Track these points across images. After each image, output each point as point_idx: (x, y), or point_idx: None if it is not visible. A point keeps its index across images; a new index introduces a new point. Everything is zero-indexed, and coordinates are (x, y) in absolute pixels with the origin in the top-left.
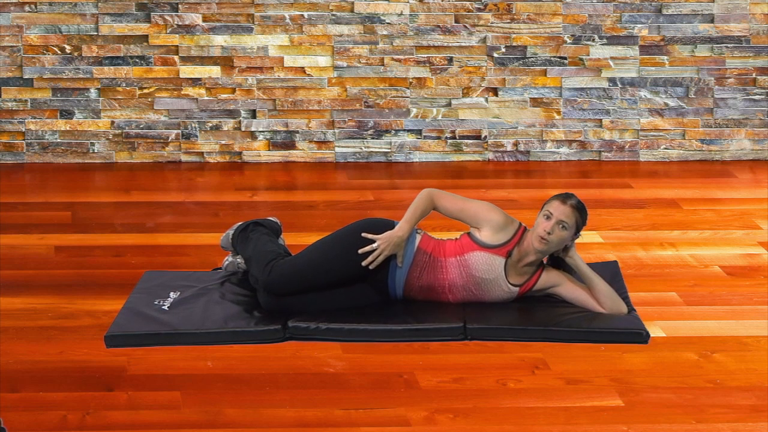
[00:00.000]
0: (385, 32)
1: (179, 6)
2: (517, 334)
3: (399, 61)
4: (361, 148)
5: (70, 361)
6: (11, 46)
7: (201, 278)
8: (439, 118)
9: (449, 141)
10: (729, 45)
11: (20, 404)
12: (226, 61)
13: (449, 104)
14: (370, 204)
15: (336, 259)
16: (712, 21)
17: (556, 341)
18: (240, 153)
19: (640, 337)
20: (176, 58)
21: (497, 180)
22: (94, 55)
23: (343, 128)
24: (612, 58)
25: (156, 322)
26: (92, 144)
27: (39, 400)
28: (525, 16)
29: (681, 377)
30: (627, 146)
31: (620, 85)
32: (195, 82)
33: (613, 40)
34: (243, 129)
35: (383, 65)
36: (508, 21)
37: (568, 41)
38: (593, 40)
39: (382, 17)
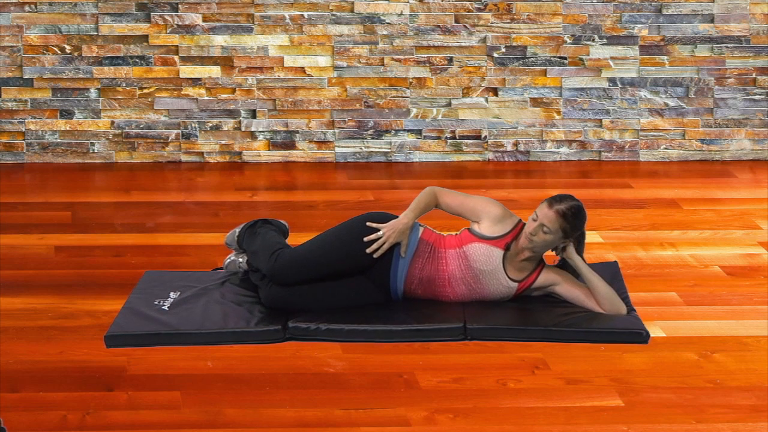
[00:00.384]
0: (385, 32)
1: (179, 6)
2: (517, 334)
3: (399, 61)
4: (361, 148)
5: (70, 361)
6: (11, 46)
7: (201, 278)
8: (439, 118)
9: (449, 141)
10: (729, 45)
11: (20, 404)
12: (226, 61)
13: (449, 104)
14: (370, 204)
15: (341, 248)
16: (712, 21)
17: (556, 341)
18: (240, 153)
19: (640, 337)
20: (176, 58)
21: (497, 180)
22: (94, 55)
23: (343, 128)
24: (612, 58)
25: (156, 322)
26: (92, 144)
27: (39, 400)
28: (525, 16)
29: (681, 377)
30: (627, 146)
31: (620, 85)
32: (195, 82)
33: (613, 40)
34: (243, 129)
35: (383, 65)
36: (508, 21)
37: (568, 41)
38: (593, 40)
39: (382, 17)
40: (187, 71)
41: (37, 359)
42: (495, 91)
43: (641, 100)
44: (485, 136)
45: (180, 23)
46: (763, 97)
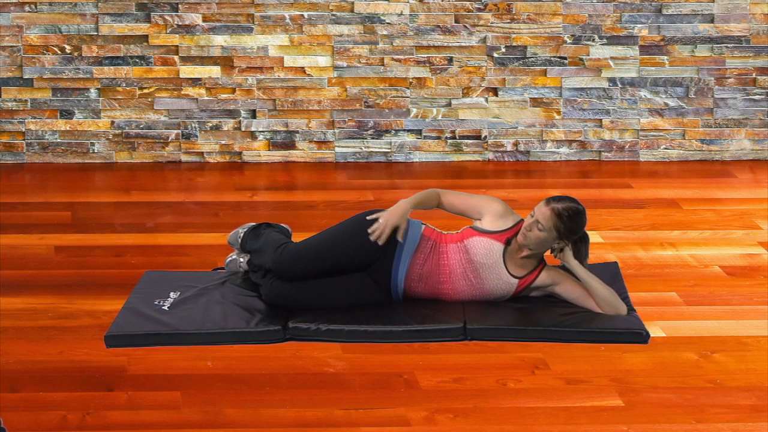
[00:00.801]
0: (385, 32)
1: (179, 6)
2: (517, 334)
3: (399, 61)
4: (361, 148)
5: (70, 361)
6: (11, 46)
7: (201, 278)
8: (439, 118)
9: (449, 141)
10: (729, 45)
11: (20, 404)
12: (226, 61)
13: (449, 104)
14: (370, 204)
15: (346, 242)
16: (712, 21)
17: (556, 341)
18: (240, 153)
19: (640, 337)
20: (176, 58)
21: (497, 180)
22: (94, 55)
23: (343, 128)
24: (612, 58)
25: (156, 322)
26: (92, 144)
27: (39, 400)
28: (525, 16)
29: (681, 377)
30: (627, 146)
31: (620, 85)
32: (195, 82)
33: (613, 40)
34: (243, 129)
35: (383, 65)
36: (508, 21)
37: (568, 41)
38: (593, 40)
39: (382, 17)
40: (187, 71)
41: (37, 359)
42: (495, 91)
43: (641, 100)
44: (485, 136)
45: (180, 23)
46: (763, 97)
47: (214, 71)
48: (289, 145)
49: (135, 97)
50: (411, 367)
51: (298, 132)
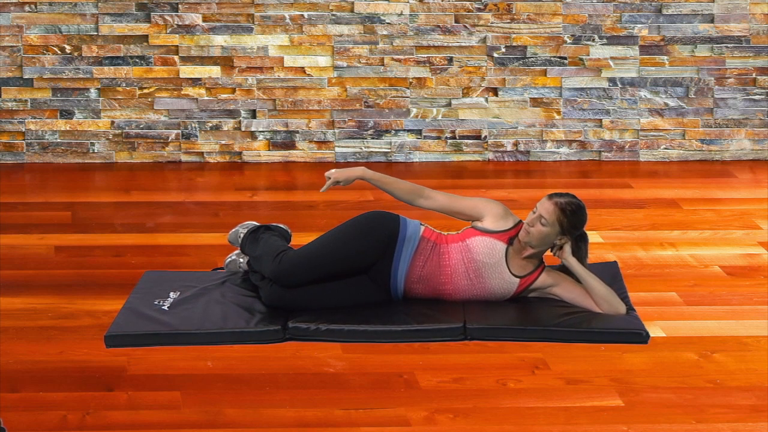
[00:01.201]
0: (385, 32)
1: (179, 6)
2: (517, 334)
3: (399, 61)
4: (361, 148)
5: (70, 361)
6: (11, 46)
7: (201, 278)
8: (439, 118)
9: (449, 141)
10: (729, 45)
11: (20, 404)
12: (226, 61)
13: (449, 104)
14: (370, 204)
15: (343, 248)
16: (712, 21)
17: (556, 341)
18: (240, 153)
19: (640, 337)
20: (176, 58)
21: (497, 180)
22: (94, 55)
23: (343, 128)
24: (612, 58)
25: (156, 322)
26: (92, 144)
27: (39, 400)
28: (525, 16)
29: (681, 377)
30: (627, 146)
31: (620, 85)
32: (195, 82)
33: (613, 40)
34: (243, 129)
35: (383, 65)
36: (508, 21)
37: (568, 41)
38: (593, 40)
39: (382, 17)
40: (187, 71)
41: (37, 359)
42: (495, 91)
43: (641, 100)
44: (485, 136)
45: (180, 23)
46: (763, 97)
47: (214, 71)
48: (289, 145)
49: (135, 97)
50: (411, 367)
51: (298, 132)
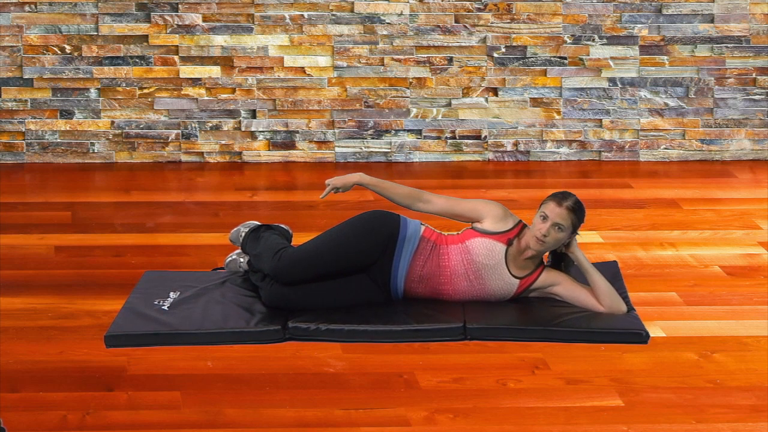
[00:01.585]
0: (385, 32)
1: (179, 6)
2: (517, 334)
3: (399, 61)
4: (361, 148)
5: (70, 361)
6: (11, 46)
7: (201, 278)
8: (439, 118)
9: (449, 141)
10: (729, 45)
11: (20, 404)
12: (226, 61)
13: (449, 104)
14: (370, 204)
15: (343, 246)
16: (712, 21)
17: (556, 341)
18: (240, 153)
19: (640, 337)
20: (176, 58)
21: (497, 180)
22: (94, 55)
23: (343, 128)
24: (612, 58)
25: (156, 322)
26: (92, 144)
27: (39, 400)
28: (525, 16)
29: (681, 377)
30: (627, 146)
31: (620, 85)
32: (195, 82)
33: (613, 40)
34: (243, 129)
35: (383, 65)
36: (508, 21)
37: (568, 41)
38: (593, 40)
39: (382, 17)
40: (187, 71)
41: (37, 359)
42: (495, 91)
43: (641, 100)
44: (485, 136)
45: (180, 23)
46: (763, 97)
47: (214, 71)
48: (289, 145)
49: (135, 97)
50: (411, 367)
51: (298, 132)
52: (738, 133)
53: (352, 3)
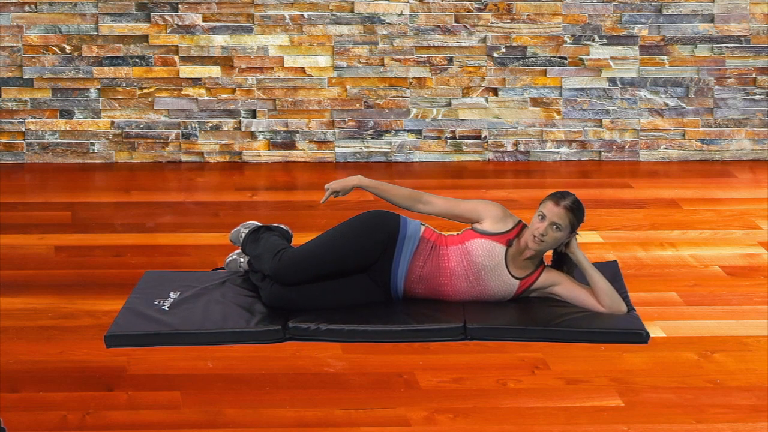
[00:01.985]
0: (385, 32)
1: (179, 6)
2: (517, 334)
3: (399, 61)
4: (361, 148)
5: (70, 361)
6: (11, 46)
7: (201, 278)
8: (439, 118)
9: (449, 141)
10: (729, 45)
11: (20, 404)
12: (226, 61)
13: (449, 104)
14: (370, 204)
15: (343, 246)
16: (712, 21)
17: (556, 341)
18: (240, 153)
19: (640, 337)
20: (176, 58)
21: (497, 180)
22: (94, 55)
23: (343, 128)
24: (612, 58)
25: (156, 322)
26: (92, 144)
27: (39, 400)
28: (525, 16)
29: (681, 377)
30: (627, 146)
31: (620, 85)
32: (195, 82)
33: (613, 40)
34: (243, 129)
35: (383, 65)
36: (508, 21)
37: (568, 41)
38: (593, 40)
39: (382, 17)
40: (187, 71)
41: (37, 359)
42: (495, 91)
43: (641, 100)
44: (485, 136)
45: (180, 23)
46: (763, 97)
47: (214, 71)
48: (289, 145)
49: (135, 97)
50: (411, 367)
51: (298, 132)
52: (738, 133)
53: (352, 3)
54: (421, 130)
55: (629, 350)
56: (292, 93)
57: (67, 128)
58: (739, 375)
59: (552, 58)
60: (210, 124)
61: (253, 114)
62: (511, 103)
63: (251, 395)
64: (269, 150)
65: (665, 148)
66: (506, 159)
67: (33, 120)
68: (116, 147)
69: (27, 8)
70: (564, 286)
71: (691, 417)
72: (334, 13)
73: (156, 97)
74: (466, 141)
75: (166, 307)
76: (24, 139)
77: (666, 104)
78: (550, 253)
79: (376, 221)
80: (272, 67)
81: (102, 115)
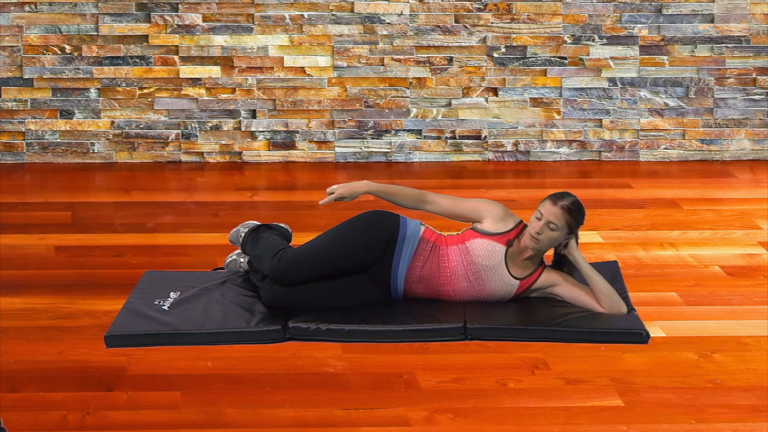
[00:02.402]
0: (385, 32)
1: (179, 6)
2: (517, 334)
3: (399, 61)
4: (361, 148)
5: (70, 361)
6: (11, 46)
7: (201, 278)
8: (439, 118)
9: (449, 141)
10: (729, 45)
11: (20, 404)
12: (226, 61)
13: (449, 104)
14: (370, 204)
15: (343, 246)
16: (712, 21)
17: (556, 341)
18: (240, 153)
19: (640, 337)
20: (176, 58)
21: (497, 180)
22: (94, 55)
23: (343, 128)
24: (612, 58)
25: (156, 322)
26: (92, 144)
27: (39, 400)
28: (525, 16)
29: (681, 377)
30: (627, 146)
31: (620, 85)
32: (195, 82)
33: (613, 40)
34: (243, 129)
35: (383, 65)
36: (508, 21)
37: (568, 41)
38: (593, 40)
39: (382, 17)
40: (187, 71)
41: (37, 359)
42: (495, 91)
43: (641, 100)
44: (485, 136)
45: (180, 23)
46: (763, 97)
47: (214, 71)
48: (289, 145)
49: (135, 97)
50: (411, 367)
51: (298, 132)
52: (738, 133)
53: (352, 3)
54: (421, 130)
55: (629, 350)
56: (292, 93)
57: (67, 128)
58: (739, 375)
59: (552, 58)
60: (210, 124)
61: (253, 114)
62: (511, 103)
63: (251, 395)
64: (269, 150)
65: (665, 148)
66: (506, 159)
67: (33, 120)
68: (116, 147)
69: (27, 8)
70: (564, 287)
71: (691, 417)
72: (334, 13)
73: (156, 97)
74: (466, 141)
75: (166, 307)
76: (24, 139)
77: (666, 104)
78: (550, 253)
79: (376, 221)
80: (272, 67)
81: (102, 115)
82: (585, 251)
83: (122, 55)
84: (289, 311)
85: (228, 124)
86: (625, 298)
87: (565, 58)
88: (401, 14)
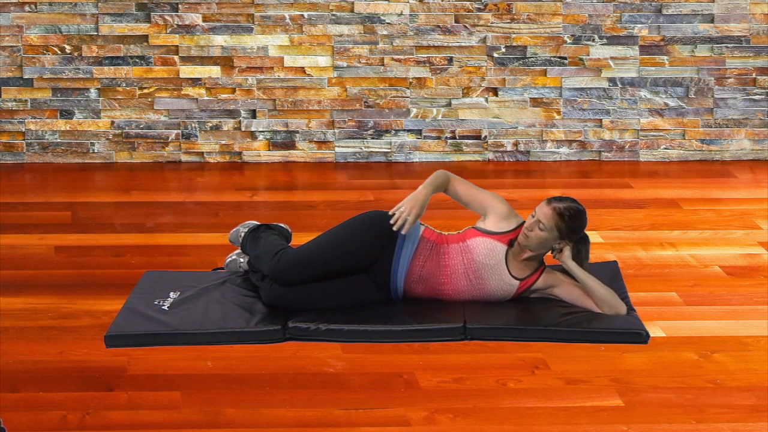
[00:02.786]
0: (385, 32)
1: (179, 6)
2: (517, 334)
3: (399, 61)
4: (361, 148)
5: (70, 361)
6: (11, 46)
7: (201, 278)
8: (439, 118)
9: (449, 141)
10: (729, 45)
11: (20, 404)
12: (226, 61)
13: (449, 104)
14: (370, 204)
15: (343, 246)
16: (712, 21)
17: (556, 341)
18: (240, 153)
19: (640, 337)
20: (176, 58)
21: (497, 180)
22: (94, 55)
23: (343, 128)
24: (612, 58)
25: (156, 322)
26: (92, 144)
27: (39, 400)
28: (525, 16)
29: (681, 377)
30: (627, 146)
31: (620, 85)
32: (195, 82)
33: (613, 40)
34: (243, 129)
35: (383, 65)
36: (508, 21)
37: (568, 41)
38: (593, 40)
39: (382, 17)
40: (187, 71)
41: (37, 359)
42: (495, 91)
43: (641, 100)
44: (485, 136)
45: (180, 23)
46: (763, 97)
47: (214, 71)
48: (289, 145)
49: (135, 97)
50: (411, 367)
51: (298, 132)
52: (738, 133)
53: (352, 3)
54: (421, 130)
55: (629, 350)
56: (292, 93)
57: (67, 128)
58: (739, 375)
59: (552, 58)
60: (210, 124)
61: (253, 114)
62: (511, 103)
63: (251, 395)
64: (269, 150)
65: (665, 148)
66: (506, 159)
67: (33, 120)
68: (116, 147)
69: (27, 8)
70: (564, 288)
71: (691, 417)
72: (334, 13)
73: (156, 97)
74: (466, 141)
75: (166, 307)
76: (24, 139)
77: (666, 104)
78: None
79: (375, 221)
80: (272, 67)
81: (102, 115)
82: None
83: (122, 55)
84: (289, 311)
85: (228, 124)
86: (625, 299)
87: (565, 58)
88: (401, 14)
